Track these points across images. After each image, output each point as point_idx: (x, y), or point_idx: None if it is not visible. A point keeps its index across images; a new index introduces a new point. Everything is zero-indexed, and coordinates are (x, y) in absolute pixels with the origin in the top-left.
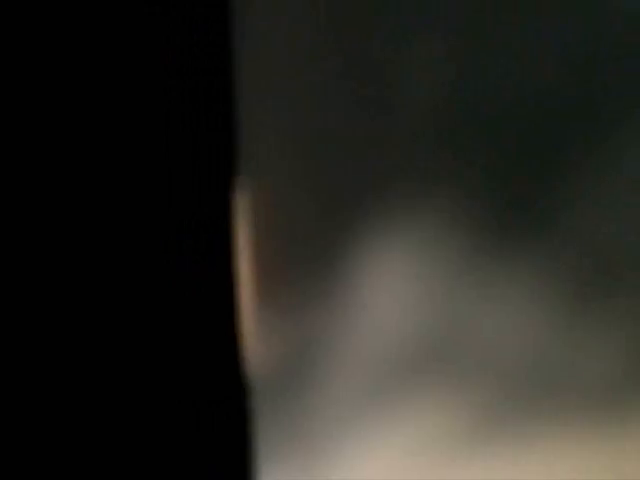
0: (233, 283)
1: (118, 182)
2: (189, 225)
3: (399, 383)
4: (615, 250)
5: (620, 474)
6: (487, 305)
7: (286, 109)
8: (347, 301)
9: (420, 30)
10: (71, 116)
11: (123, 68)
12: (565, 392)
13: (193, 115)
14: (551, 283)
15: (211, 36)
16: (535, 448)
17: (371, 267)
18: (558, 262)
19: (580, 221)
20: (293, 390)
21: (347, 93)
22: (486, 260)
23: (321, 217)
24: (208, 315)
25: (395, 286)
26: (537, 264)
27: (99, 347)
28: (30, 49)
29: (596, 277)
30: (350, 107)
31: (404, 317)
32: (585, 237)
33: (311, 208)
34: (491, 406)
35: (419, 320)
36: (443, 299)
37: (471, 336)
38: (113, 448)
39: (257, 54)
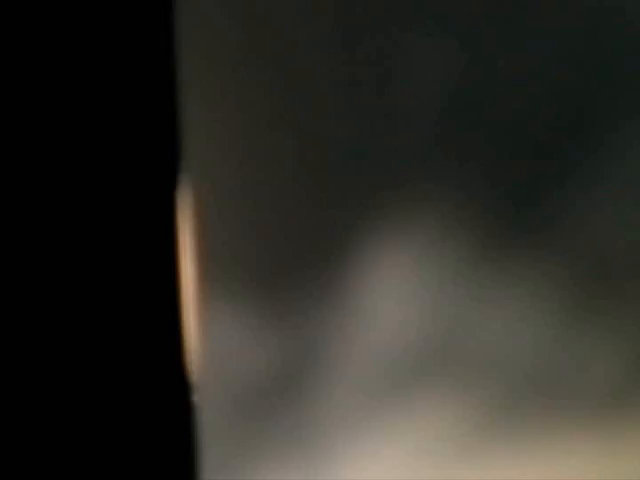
0: (176, 282)
1: (60, 180)
2: (133, 223)
3: (402, 386)
4: (617, 254)
5: (623, 474)
6: (490, 310)
7: (245, 104)
8: (346, 305)
9: (422, 31)
10: (13, 115)
11: (66, 66)
12: (567, 394)
13: (136, 114)
14: (553, 287)
15: (154, 34)
16: (538, 449)
17: (371, 271)
18: (560, 266)
19: (583, 225)
20: (291, 395)
21: (323, 92)
22: (489, 266)
23: (312, 219)
24: (151, 314)
25: (397, 291)
26: (539, 268)
27: (42, 344)
28: None
29: (598, 281)
30: (323, 105)
31: (406, 320)
32: (588, 241)
33: (286, 210)
34: (494, 410)
35: (421, 325)
36: (446, 304)
37: (473, 340)
38: (56, 445)
39: (202, 47)
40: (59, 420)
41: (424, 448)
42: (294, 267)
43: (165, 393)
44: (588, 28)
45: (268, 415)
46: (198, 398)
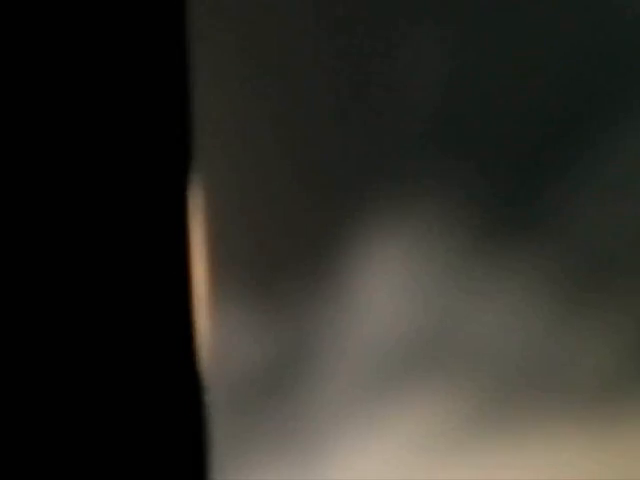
0: (188, 281)
1: (71, 181)
2: (145, 224)
3: (393, 379)
4: (608, 248)
5: (616, 471)
6: (481, 303)
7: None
8: (339, 299)
9: (418, 29)
10: (25, 114)
11: (80, 67)
12: (559, 389)
13: (148, 115)
14: (546, 281)
15: (167, 34)
16: (529, 442)
17: (364, 265)
18: (551, 259)
19: (576, 221)
20: (285, 389)
21: (325, 91)
22: (481, 259)
23: (307, 215)
24: (163, 314)
25: (389, 284)
26: (532, 263)
27: (55, 341)
28: None
29: (591, 275)
30: (329, 105)
31: (398, 315)
32: (580, 236)
33: (289, 207)
34: (485, 404)
35: (413, 318)
36: (438, 297)
37: (466, 334)
38: (66, 440)
39: (214, 49)
40: (70, 416)
41: (416, 441)
42: (288, 261)
43: (177, 393)
44: (591, 22)
45: (261, 409)
46: (210, 396)
